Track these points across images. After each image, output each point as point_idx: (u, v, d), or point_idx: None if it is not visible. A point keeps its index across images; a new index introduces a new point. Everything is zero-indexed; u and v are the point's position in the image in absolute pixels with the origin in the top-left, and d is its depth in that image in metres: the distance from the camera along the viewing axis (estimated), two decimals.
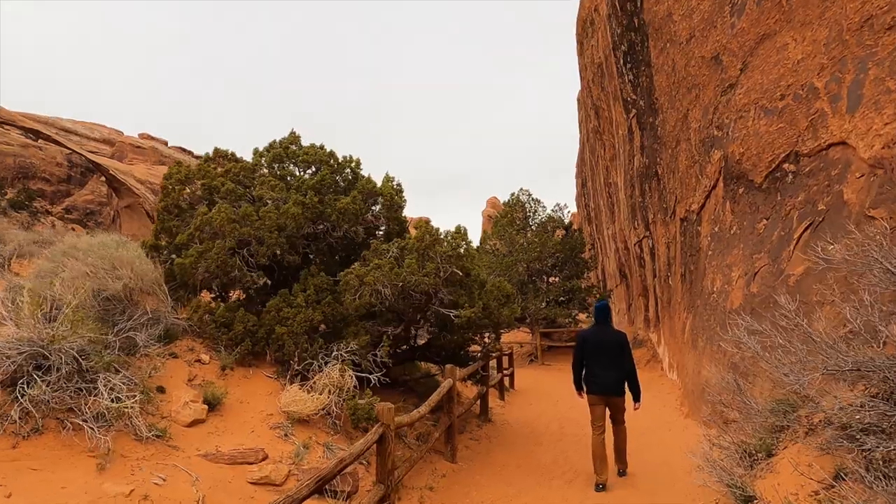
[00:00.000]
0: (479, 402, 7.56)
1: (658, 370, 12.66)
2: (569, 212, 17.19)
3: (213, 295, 6.02)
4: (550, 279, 16.60)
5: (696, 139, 10.11)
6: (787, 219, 6.45)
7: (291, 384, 4.49)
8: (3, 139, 78.48)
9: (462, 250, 5.20)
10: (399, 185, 6.97)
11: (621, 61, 15.01)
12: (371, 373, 4.89)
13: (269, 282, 5.40)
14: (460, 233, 5.38)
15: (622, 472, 5.49)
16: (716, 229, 8.81)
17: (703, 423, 7.10)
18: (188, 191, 5.19)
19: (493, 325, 6.30)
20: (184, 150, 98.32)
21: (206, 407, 3.93)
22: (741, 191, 7.88)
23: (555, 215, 16.89)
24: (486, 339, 7.33)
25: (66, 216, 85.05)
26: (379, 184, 6.39)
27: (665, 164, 12.46)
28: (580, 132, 25.13)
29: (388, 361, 5.18)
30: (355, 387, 4.61)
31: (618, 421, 5.51)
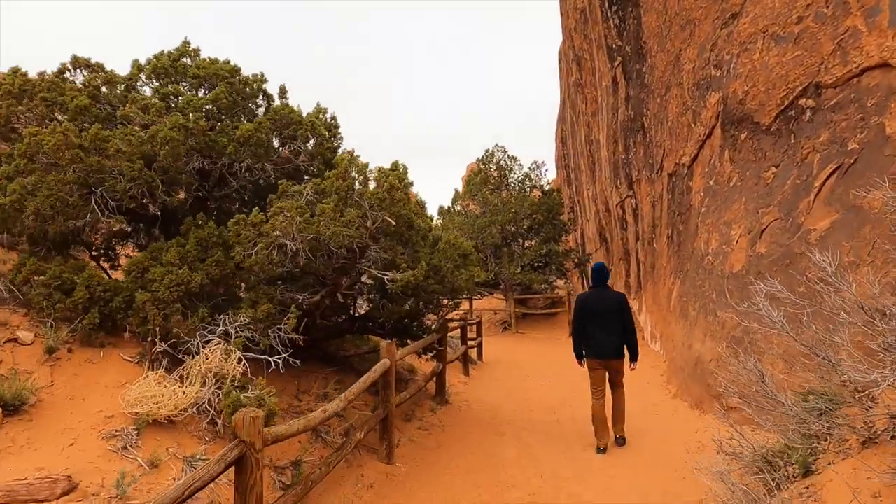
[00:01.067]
0: (435, 380, 6.39)
1: (640, 340, 11.65)
2: (546, 170, 15.94)
3: (94, 253, 4.66)
4: (526, 242, 15.45)
5: (689, 82, 8.86)
6: (805, 164, 5.26)
7: (153, 371, 3.23)
8: None
9: (400, 193, 3.92)
10: (334, 118, 5.61)
11: (606, 4, 13.55)
12: (272, 354, 3.65)
13: (147, 231, 4.12)
14: (397, 170, 4.08)
15: (621, 440, 5.32)
16: (711, 183, 7.66)
17: (694, 406, 6.07)
18: (24, 108, 3.79)
19: (446, 291, 5.08)
20: None
21: None
22: (743, 136, 6.68)
23: (532, 174, 15.62)
24: (445, 308, 6.11)
25: None
26: (305, 114, 5.01)
27: (652, 115, 11.23)
28: (560, 88, 23.69)
29: (299, 339, 3.94)
30: (246, 373, 3.38)
31: (617, 385, 5.36)
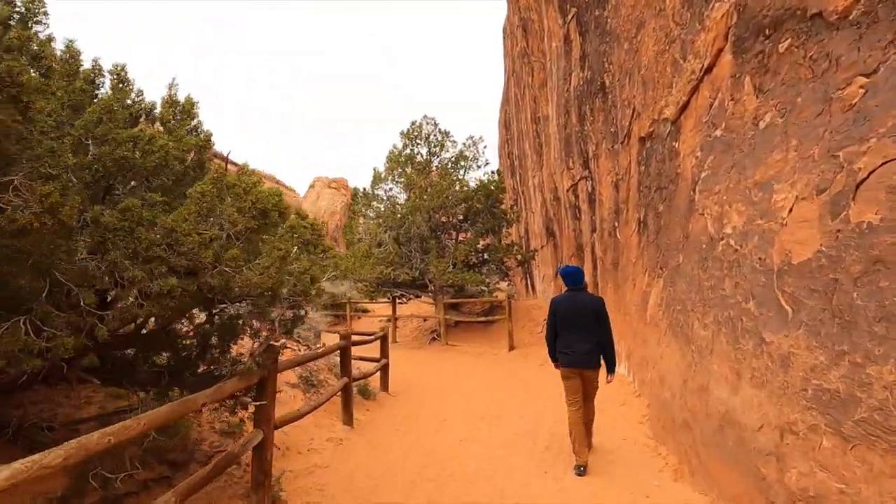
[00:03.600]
0: (253, 459, 3.50)
1: None
2: (485, 147, 13.29)
3: None
4: (461, 236, 12.77)
5: (675, 3, 6.37)
6: None
7: None
8: None
9: None
10: None
11: None
12: None
13: None
14: None
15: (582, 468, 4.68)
16: (717, 134, 5.16)
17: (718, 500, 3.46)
18: None
19: (237, 293, 2.25)
20: None
21: None
22: (785, 45, 4.17)
23: (468, 152, 12.96)
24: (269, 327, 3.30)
25: None
26: None
27: (617, 68, 8.80)
28: (505, 66, 21.32)
29: None
30: None
31: (588, 397, 5.01)
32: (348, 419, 5.48)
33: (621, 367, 8.18)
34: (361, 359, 7.82)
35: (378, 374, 7.39)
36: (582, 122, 10.78)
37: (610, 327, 5.10)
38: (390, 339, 14.26)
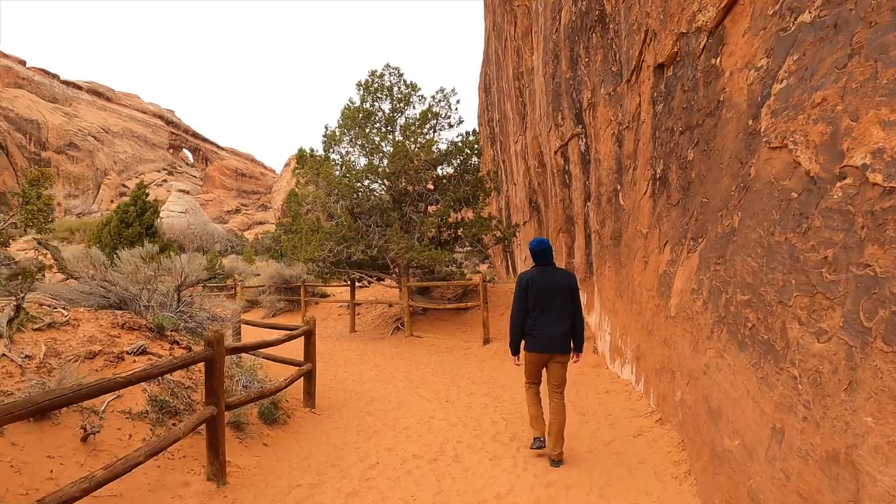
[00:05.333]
0: None
1: (588, 353, 7.43)
2: (458, 101, 11.33)
3: None
4: (431, 208, 10.83)
5: None
6: None
7: None
8: None
9: None
10: None
11: None
12: None
13: None
14: None
15: (556, 461, 4.29)
16: (804, 19, 3.22)
17: None
18: None
19: None
20: (47, 72, 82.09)
21: None
22: None
23: (438, 108, 10.94)
24: None
25: None
26: None
27: None
28: (485, 25, 19.24)
29: None
30: None
31: (558, 388, 4.48)
32: (217, 471, 3.43)
33: (625, 371, 6.38)
34: (280, 361, 5.90)
35: (302, 382, 5.45)
36: (574, 67, 8.87)
37: (581, 306, 4.67)
38: (349, 328, 12.39)
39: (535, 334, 4.46)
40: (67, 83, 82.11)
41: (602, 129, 7.80)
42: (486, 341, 9.35)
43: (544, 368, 4.56)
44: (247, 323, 6.78)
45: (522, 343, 4.61)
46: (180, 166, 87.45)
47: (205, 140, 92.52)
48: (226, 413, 3.56)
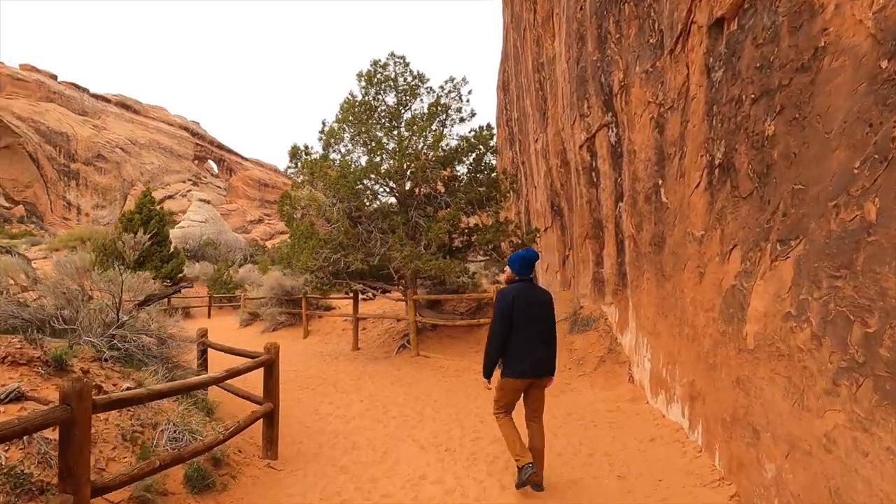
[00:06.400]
0: None
1: (622, 382, 6.16)
2: (470, 92, 10.11)
3: None
4: (441, 212, 9.64)
5: None
6: None
7: None
8: None
9: None
10: None
11: None
12: None
13: None
14: None
15: (537, 485, 3.92)
16: None
17: None
18: None
19: None
20: (77, 86, 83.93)
21: None
22: None
23: (447, 100, 9.76)
24: None
25: None
26: None
27: None
28: (503, 18, 18.08)
29: None
30: None
31: (537, 414, 4.10)
32: None
33: (672, 411, 5.06)
34: (244, 396, 4.75)
35: (262, 425, 4.27)
36: (602, 47, 7.63)
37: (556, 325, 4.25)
38: (351, 346, 11.24)
39: (521, 357, 3.98)
40: (97, 96, 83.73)
41: (637, 115, 6.53)
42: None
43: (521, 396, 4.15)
44: (211, 346, 5.66)
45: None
46: (205, 177, 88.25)
47: (229, 151, 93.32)
48: (103, 497, 2.43)
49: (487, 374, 4.13)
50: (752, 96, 3.77)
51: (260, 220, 79.39)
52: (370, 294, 11.10)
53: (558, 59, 10.30)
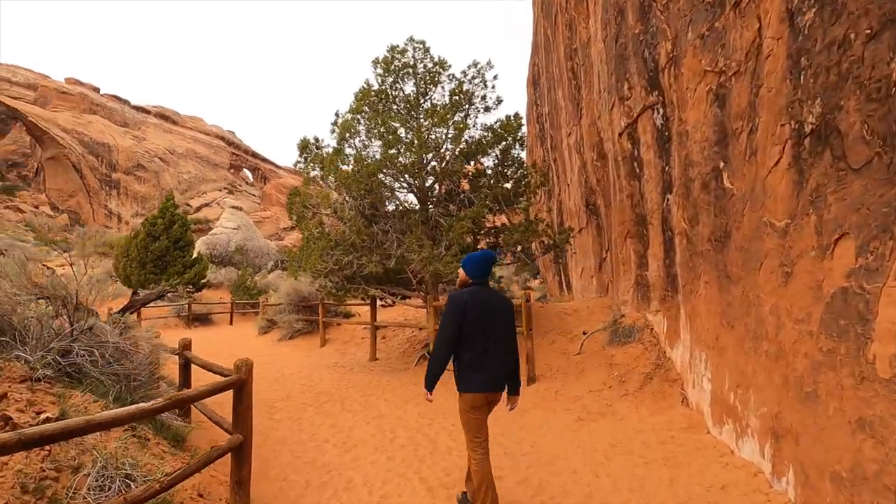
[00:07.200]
0: None
1: (674, 405, 5.17)
2: (495, 76, 9.19)
3: None
4: (462, 210, 8.75)
5: None
6: None
7: None
8: None
9: None
10: None
11: None
12: None
13: None
14: None
15: None
16: None
17: None
18: None
19: None
20: (119, 98, 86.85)
21: None
22: None
23: (471, 87, 8.88)
24: None
25: None
26: None
27: None
28: (532, 13, 17.13)
29: None
30: None
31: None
32: None
33: (745, 447, 4.04)
34: (216, 422, 3.95)
35: (231, 461, 3.46)
36: (645, 17, 6.67)
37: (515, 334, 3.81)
38: (368, 356, 10.43)
39: (477, 369, 3.53)
40: (137, 108, 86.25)
41: (690, 90, 5.54)
42: (531, 380, 7.13)
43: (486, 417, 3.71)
44: (194, 362, 4.90)
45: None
46: (240, 185, 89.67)
47: (263, 159, 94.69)
48: None
49: (429, 386, 3.62)
50: (867, 32, 2.78)
51: (293, 227, 79.91)
52: (389, 300, 10.27)
53: (593, 40, 9.31)
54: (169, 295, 17.64)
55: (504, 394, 3.76)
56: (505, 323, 3.68)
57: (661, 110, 6.59)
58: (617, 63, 7.79)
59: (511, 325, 3.75)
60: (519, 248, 9.10)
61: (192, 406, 4.91)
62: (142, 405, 2.55)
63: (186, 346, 5.12)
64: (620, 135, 7.90)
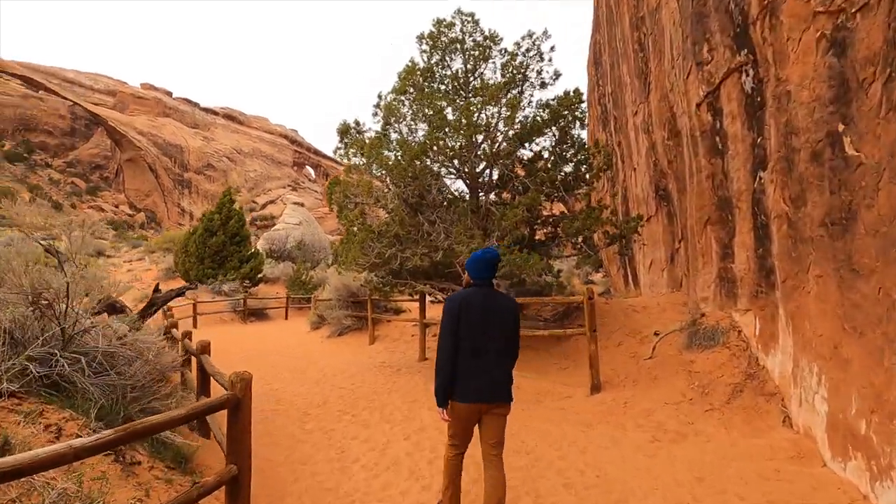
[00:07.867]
0: None
1: (774, 426, 4.18)
2: (552, 47, 8.28)
3: None
4: (515, 197, 7.94)
5: None
6: None
7: None
8: (1, 89, 70.97)
9: None
10: None
11: None
12: None
13: None
14: None
15: None
16: None
17: None
18: None
19: None
20: (189, 101, 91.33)
21: None
22: None
23: (526, 59, 8.02)
24: None
25: (67, 170, 78.62)
26: None
27: None
28: None
29: None
30: None
31: (496, 449, 3.32)
32: None
33: (886, 494, 3.06)
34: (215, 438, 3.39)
35: (226, 496, 2.87)
36: None
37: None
38: (417, 356, 9.80)
39: (470, 377, 3.27)
40: (206, 110, 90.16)
41: (794, 40, 4.51)
42: (595, 388, 6.26)
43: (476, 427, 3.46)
44: (205, 368, 4.43)
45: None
46: (303, 182, 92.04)
47: (325, 157, 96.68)
48: None
49: (441, 402, 3.30)
50: None
51: None
52: (438, 296, 9.61)
53: (664, 1, 8.22)
54: (226, 290, 17.83)
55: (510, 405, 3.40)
56: (509, 328, 3.40)
57: (750, 72, 5.53)
58: (694, 23, 6.73)
59: (515, 330, 3.46)
60: (580, 238, 8.20)
61: (206, 419, 4.43)
62: (78, 441, 1.97)
63: (204, 348, 4.64)
64: (699, 106, 6.83)
